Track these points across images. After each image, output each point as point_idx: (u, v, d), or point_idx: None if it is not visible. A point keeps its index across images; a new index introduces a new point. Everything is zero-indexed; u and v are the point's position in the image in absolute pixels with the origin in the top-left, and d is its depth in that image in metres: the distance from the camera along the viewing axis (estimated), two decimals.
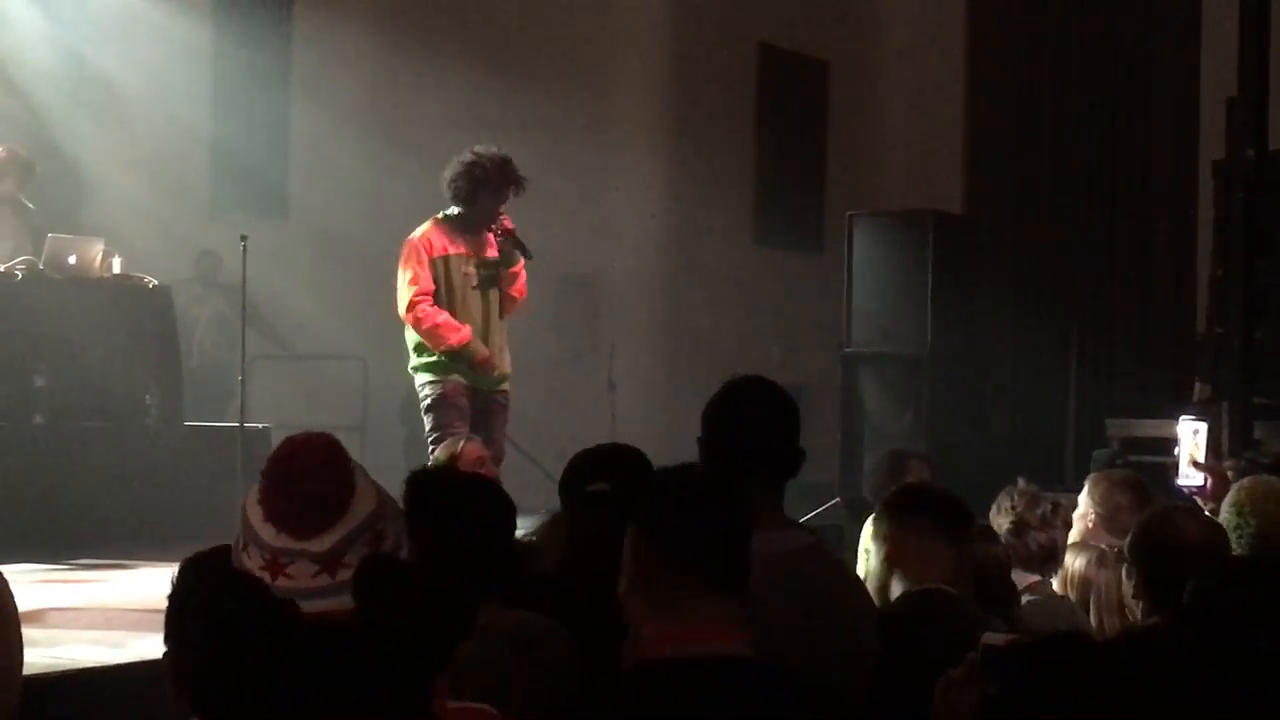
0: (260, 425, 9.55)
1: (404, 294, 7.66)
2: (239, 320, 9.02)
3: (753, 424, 3.30)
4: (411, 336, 7.77)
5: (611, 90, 14.42)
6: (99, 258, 9.49)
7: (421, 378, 7.74)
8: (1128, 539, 3.95)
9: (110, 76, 11.30)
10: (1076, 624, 4.42)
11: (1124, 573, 3.93)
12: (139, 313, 9.70)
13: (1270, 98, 9.63)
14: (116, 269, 9.68)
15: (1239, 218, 9.39)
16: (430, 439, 7.60)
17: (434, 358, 7.67)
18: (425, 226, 7.75)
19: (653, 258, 14.57)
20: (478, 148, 7.74)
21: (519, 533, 3.60)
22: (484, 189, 7.64)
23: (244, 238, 8.72)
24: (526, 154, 13.20)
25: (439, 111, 12.32)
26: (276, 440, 9.59)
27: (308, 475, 1.99)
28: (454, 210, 7.74)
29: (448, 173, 7.70)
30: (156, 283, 9.87)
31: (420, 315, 7.61)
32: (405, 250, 7.71)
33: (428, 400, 7.69)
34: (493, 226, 7.75)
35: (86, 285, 9.37)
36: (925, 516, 3.88)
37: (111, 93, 11.33)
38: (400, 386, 10.18)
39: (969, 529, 3.98)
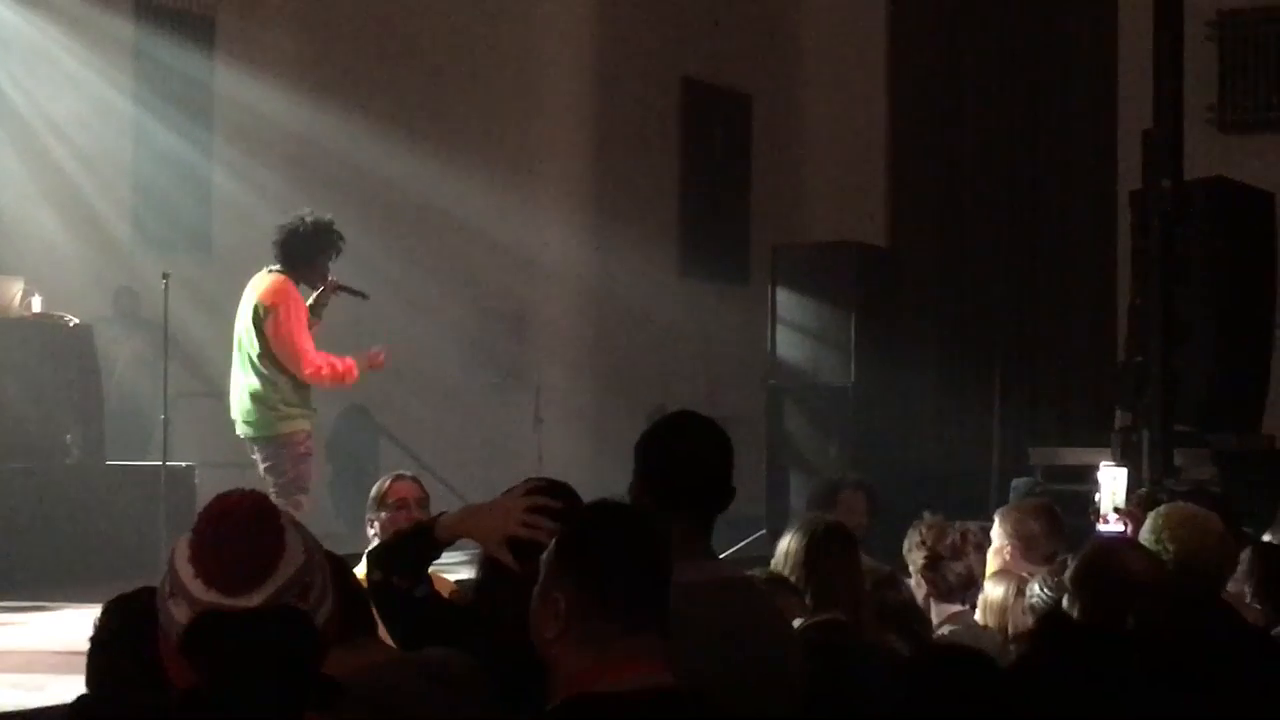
0: (184, 464, 9.47)
1: (302, 343, 7.63)
2: (159, 358, 8.94)
3: (687, 459, 3.31)
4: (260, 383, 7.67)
5: (535, 125, 14.43)
6: (18, 297, 9.40)
7: (279, 428, 7.69)
8: (1070, 571, 4.00)
9: (29, 112, 11.21)
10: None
11: (1064, 601, 3.99)
12: (59, 352, 9.61)
13: (1185, 130, 9.79)
14: (36, 308, 9.59)
15: (1156, 247, 9.50)
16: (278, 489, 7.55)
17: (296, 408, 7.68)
18: (283, 277, 7.72)
19: (578, 292, 14.57)
20: (308, 214, 7.81)
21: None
22: (323, 253, 7.75)
23: (166, 275, 8.67)
24: (450, 189, 13.32)
25: (362, 150, 12.28)
26: (200, 479, 9.51)
27: (239, 536, 2.03)
28: (283, 268, 7.75)
29: (283, 236, 7.72)
30: (77, 321, 9.79)
31: (321, 367, 7.62)
32: (286, 293, 7.66)
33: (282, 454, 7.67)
34: (320, 285, 7.86)
35: (6, 324, 9.27)
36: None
37: (31, 129, 11.23)
38: (324, 425, 10.10)
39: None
